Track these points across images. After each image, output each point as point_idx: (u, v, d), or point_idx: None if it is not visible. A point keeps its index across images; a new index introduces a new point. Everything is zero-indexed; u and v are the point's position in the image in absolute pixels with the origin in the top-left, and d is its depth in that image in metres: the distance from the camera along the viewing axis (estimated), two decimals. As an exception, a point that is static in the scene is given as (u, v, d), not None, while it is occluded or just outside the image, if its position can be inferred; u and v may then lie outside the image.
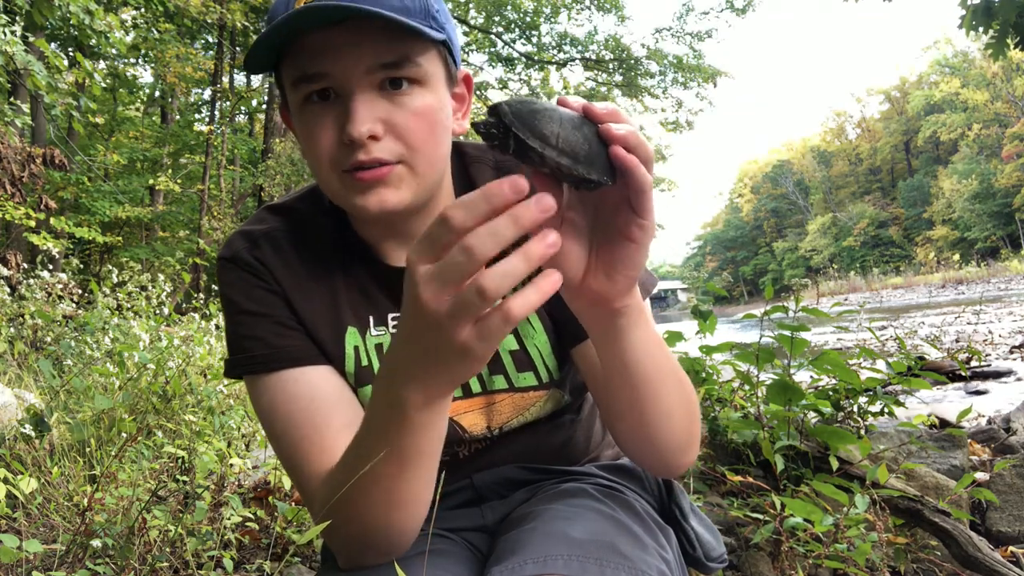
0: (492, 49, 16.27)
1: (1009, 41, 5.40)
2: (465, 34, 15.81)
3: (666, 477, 0.97)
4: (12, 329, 4.07)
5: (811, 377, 2.54)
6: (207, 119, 17.43)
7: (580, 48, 15.94)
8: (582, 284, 0.63)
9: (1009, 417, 2.83)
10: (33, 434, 2.14)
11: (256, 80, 14.87)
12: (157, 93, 17.59)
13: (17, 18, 4.61)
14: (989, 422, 2.96)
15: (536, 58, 16.13)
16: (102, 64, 14.20)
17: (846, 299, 24.16)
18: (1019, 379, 4.47)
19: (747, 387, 2.14)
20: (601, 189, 0.56)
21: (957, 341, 6.63)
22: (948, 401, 3.88)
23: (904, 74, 66.70)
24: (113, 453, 1.89)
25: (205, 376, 3.39)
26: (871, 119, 69.86)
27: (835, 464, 1.76)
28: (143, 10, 10.28)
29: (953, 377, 4.40)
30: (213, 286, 8.22)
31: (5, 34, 4.19)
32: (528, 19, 15.59)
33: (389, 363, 0.60)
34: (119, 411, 2.39)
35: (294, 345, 0.82)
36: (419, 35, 0.73)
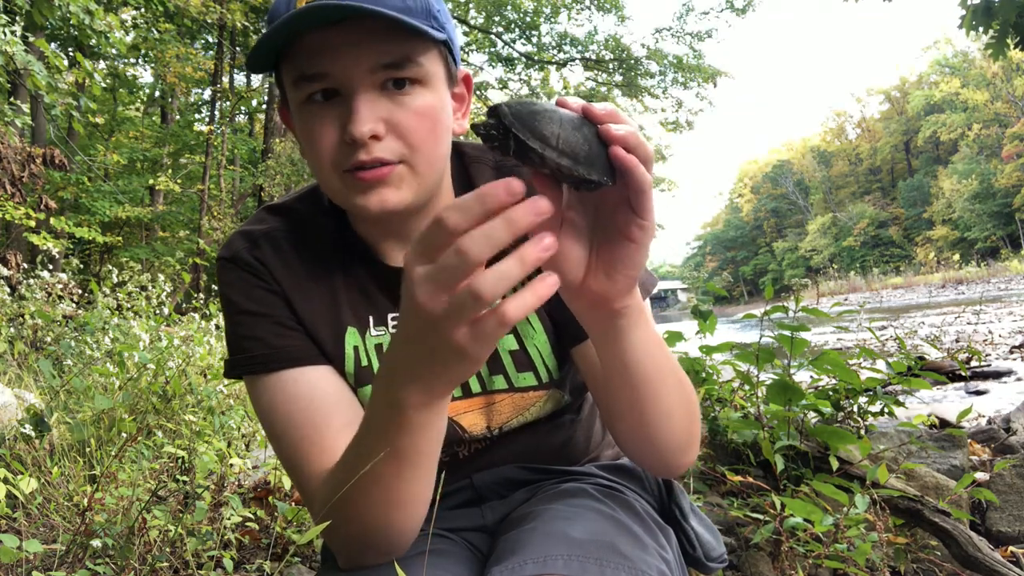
0: (492, 49, 16.27)
1: (1009, 41, 5.40)
2: (465, 34, 15.81)
3: (666, 477, 0.97)
4: (12, 329, 4.07)
5: (811, 377, 2.54)
6: (207, 119, 17.45)
7: (580, 48, 15.94)
8: (582, 285, 0.63)
9: (1009, 417, 2.83)
10: (33, 434, 2.14)
11: (256, 80, 14.89)
12: (157, 93, 17.59)
13: (17, 18, 4.61)
14: (989, 422, 2.96)
15: (536, 58, 16.13)
16: (102, 64, 14.20)
17: (846, 299, 24.17)
18: (1019, 379, 4.47)
19: (747, 387, 2.14)
20: (601, 189, 0.56)
21: (957, 341, 6.63)
22: (948, 401, 3.89)
23: (904, 74, 66.81)
24: (113, 453, 1.89)
25: (205, 376, 3.39)
26: (871, 119, 69.89)
27: (835, 464, 1.76)
28: (143, 10, 10.29)
29: (953, 377, 4.40)
30: (213, 286, 8.22)
31: (5, 34, 4.19)
32: (528, 19, 15.60)
33: (389, 363, 0.60)
34: (119, 411, 2.39)
35: (294, 345, 0.82)
36: (421, 35, 0.73)
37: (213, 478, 1.98)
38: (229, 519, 1.65)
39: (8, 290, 4.61)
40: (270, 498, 1.98)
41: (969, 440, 2.42)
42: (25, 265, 5.53)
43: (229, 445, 2.52)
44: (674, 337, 2.25)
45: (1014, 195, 43.85)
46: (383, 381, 0.62)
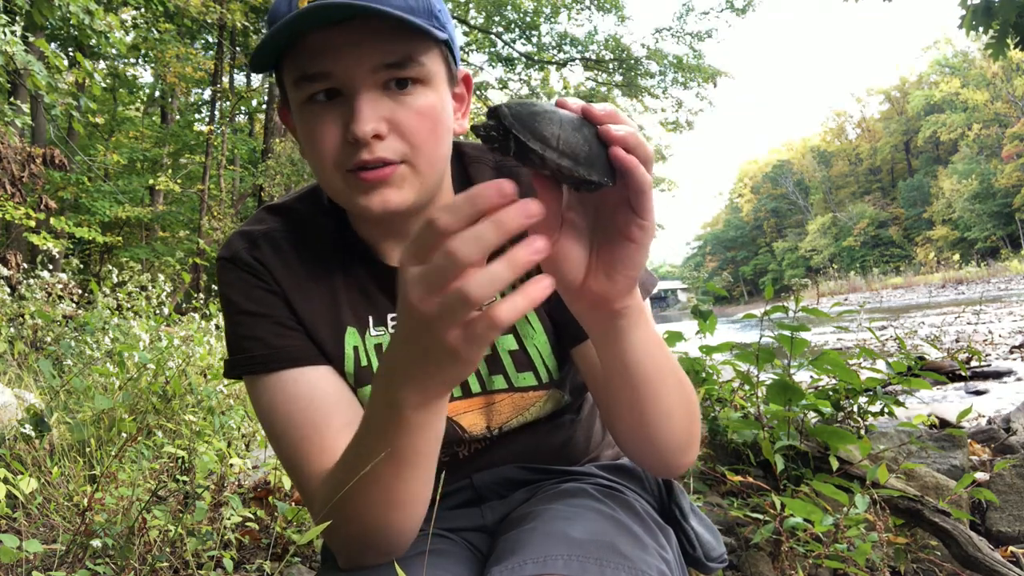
0: (492, 49, 16.27)
1: (1009, 41, 5.40)
2: (465, 34, 15.81)
3: (666, 477, 0.97)
4: (12, 329, 4.07)
5: (811, 377, 2.54)
6: (207, 119, 17.45)
7: (580, 48, 15.95)
8: (583, 285, 0.63)
9: (1009, 417, 2.83)
10: (33, 434, 2.14)
11: (256, 80, 14.89)
12: (157, 93, 17.60)
13: (17, 18, 4.61)
14: (989, 422, 2.96)
15: (536, 58, 16.13)
16: (102, 64, 14.20)
17: (846, 299, 24.17)
18: (1019, 379, 4.47)
19: (747, 387, 2.14)
20: (601, 190, 0.56)
21: (957, 341, 6.63)
22: (948, 401, 3.88)
23: (904, 74, 66.79)
24: (113, 453, 1.88)
25: (205, 376, 3.39)
26: (871, 119, 69.88)
27: (835, 464, 1.76)
28: (143, 10, 10.29)
29: (953, 377, 4.40)
30: (213, 286, 8.22)
31: (5, 34, 4.19)
32: (528, 19, 15.60)
33: (387, 363, 0.60)
34: (119, 411, 2.39)
35: (293, 345, 0.82)
36: (425, 34, 0.73)
37: (213, 478, 1.98)
38: (229, 519, 1.65)
39: (8, 290, 4.61)
40: (270, 498, 1.98)
41: (969, 440, 2.42)
42: (25, 265, 5.53)
43: (229, 445, 2.52)
44: (674, 337, 2.24)
45: (1014, 195, 43.85)
46: (382, 381, 0.62)
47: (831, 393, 2.19)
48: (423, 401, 0.60)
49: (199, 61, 13.85)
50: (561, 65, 16.25)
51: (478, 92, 16.11)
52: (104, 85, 13.43)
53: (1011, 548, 1.72)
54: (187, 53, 13.12)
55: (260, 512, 1.94)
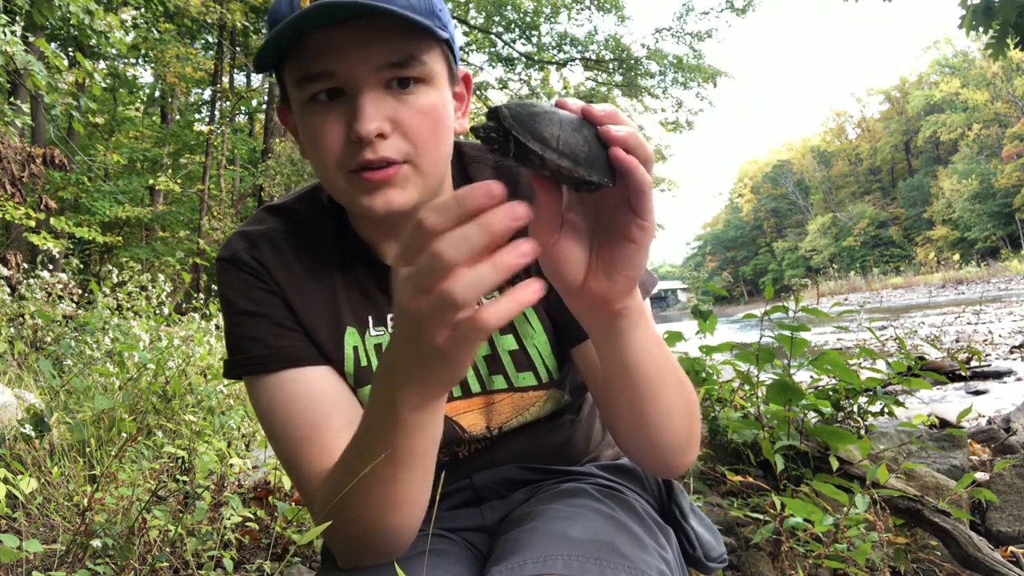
0: (492, 49, 16.27)
1: (1009, 41, 5.40)
2: (465, 34, 15.81)
3: (666, 477, 0.97)
4: (12, 329, 4.07)
5: (811, 377, 2.54)
6: (207, 119, 17.44)
7: (580, 48, 15.94)
8: (583, 286, 0.63)
9: (1009, 417, 2.83)
10: (33, 434, 2.14)
11: (256, 80, 14.91)
12: (157, 93, 17.60)
13: (17, 18, 4.60)
14: (989, 422, 2.96)
15: (536, 58, 16.13)
16: (102, 64, 14.20)
17: (846, 299, 24.16)
18: (1019, 379, 4.46)
19: (747, 387, 2.14)
20: (601, 191, 0.56)
21: (957, 341, 6.63)
22: (948, 401, 3.88)
23: (904, 74, 66.81)
24: (113, 453, 1.88)
25: (205, 376, 3.39)
26: (871, 119, 69.87)
27: (835, 464, 1.76)
28: (143, 10, 10.29)
29: (953, 377, 4.40)
30: (213, 286, 8.22)
31: (5, 34, 4.19)
32: (528, 19, 15.59)
33: (387, 363, 0.60)
34: (119, 411, 2.39)
35: (293, 346, 0.82)
36: (428, 33, 0.73)
37: (213, 478, 1.98)
38: (229, 519, 1.65)
39: (8, 290, 4.61)
40: (270, 498, 1.98)
41: (969, 440, 2.42)
42: (25, 265, 5.53)
43: (229, 445, 2.52)
44: (674, 337, 2.24)
45: (1014, 195, 43.85)
46: (381, 380, 0.62)
47: (831, 393, 2.19)
48: (420, 402, 0.60)
49: (199, 61, 13.85)
50: (561, 65, 16.25)
51: (478, 92, 16.11)
52: (104, 85, 13.43)
53: (1011, 548, 1.71)
54: (187, 53, 13.12)
55: (260, 512, 1.94)
